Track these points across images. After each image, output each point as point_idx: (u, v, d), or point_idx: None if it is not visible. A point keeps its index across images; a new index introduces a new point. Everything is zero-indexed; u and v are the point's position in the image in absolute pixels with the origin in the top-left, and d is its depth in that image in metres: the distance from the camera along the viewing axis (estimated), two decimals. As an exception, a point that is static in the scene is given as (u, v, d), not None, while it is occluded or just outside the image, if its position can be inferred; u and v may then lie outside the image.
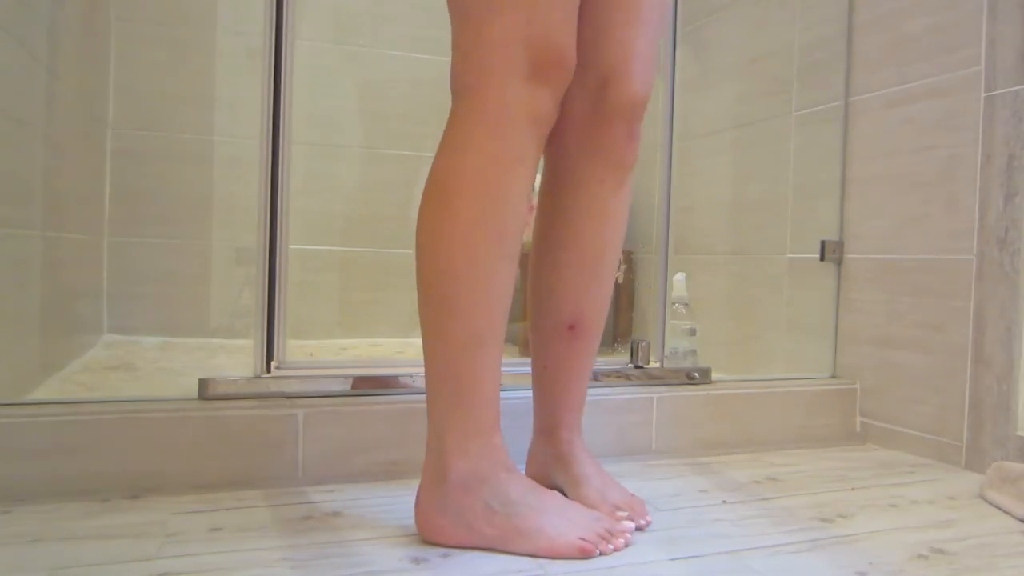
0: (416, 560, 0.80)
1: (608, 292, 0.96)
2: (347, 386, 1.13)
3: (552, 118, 0.82)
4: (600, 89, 0.86)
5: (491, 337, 0.81)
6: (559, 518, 0.82)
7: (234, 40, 2.01)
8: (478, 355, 0.81)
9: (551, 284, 0.93)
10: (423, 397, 1.14)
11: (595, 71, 0.86)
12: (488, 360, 0.81)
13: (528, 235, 0.91)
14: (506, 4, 0.77)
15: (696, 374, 1.35)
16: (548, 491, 0.86)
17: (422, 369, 1.08)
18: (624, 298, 1.98)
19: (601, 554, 0.81)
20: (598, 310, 0.94)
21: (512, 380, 1.20)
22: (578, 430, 0.98)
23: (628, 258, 1.99)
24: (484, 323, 0.80)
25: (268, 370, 1.11)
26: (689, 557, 0.84)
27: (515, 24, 0.77)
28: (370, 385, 1.15)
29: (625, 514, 0.88)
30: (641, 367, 1.33)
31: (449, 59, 0.84)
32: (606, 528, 0.84)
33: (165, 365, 1.60)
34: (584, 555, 0.80)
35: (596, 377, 1.28)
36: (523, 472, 0.92)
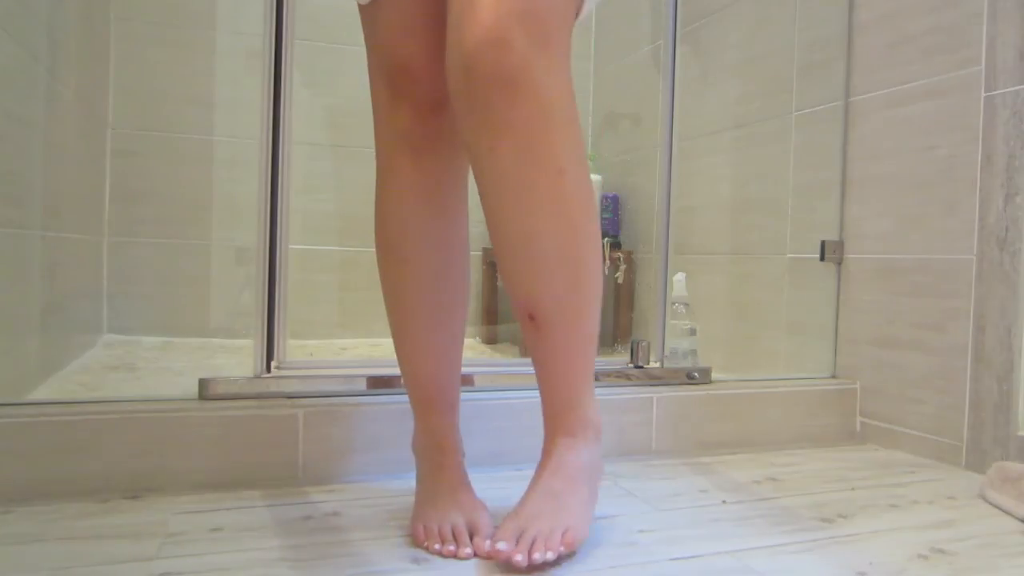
0: (416, 560, 0.80)
1: (573, 283, 0.81)
2: (347, 386, 1.13)
3: (417, 129, 0.85)
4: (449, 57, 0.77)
5: (401, 327, 0.92)
6: (429, 500, 0.88)
7: (234, 40, 2.01)
8: (400, 342, 0.93)
9: (502, 275, 0.87)
10: (423, 397, 1.14)
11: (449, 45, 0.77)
12: (409, 347, 0.92)
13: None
14: (368, 41, 0.87)
15: (696, 374, 1.35)
16: (449, 474, 0.90)
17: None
18: (624, 298, 1.98)
19: (427, 550, 0.82)
20: (557, 300, 0.81)
21: (510, 380, 1.21)
22: (554, 438, 0.85)
23: (628, 258, 1.99)
24: (394, 315, 0.92)
25: (268, 370, 1.11)
26: (689, 557, 0.84)
27: (374, 54, 0.86)
28: (371, 385, 1.15)
29: (503, 545, 0.76)
30: (641, 367, 1.33)
31: None
32: (460, 531, 0.83)
33: (165, 365, 1.60)
34: (414, 542, 0.85)
35: (596, 377, 1.28)
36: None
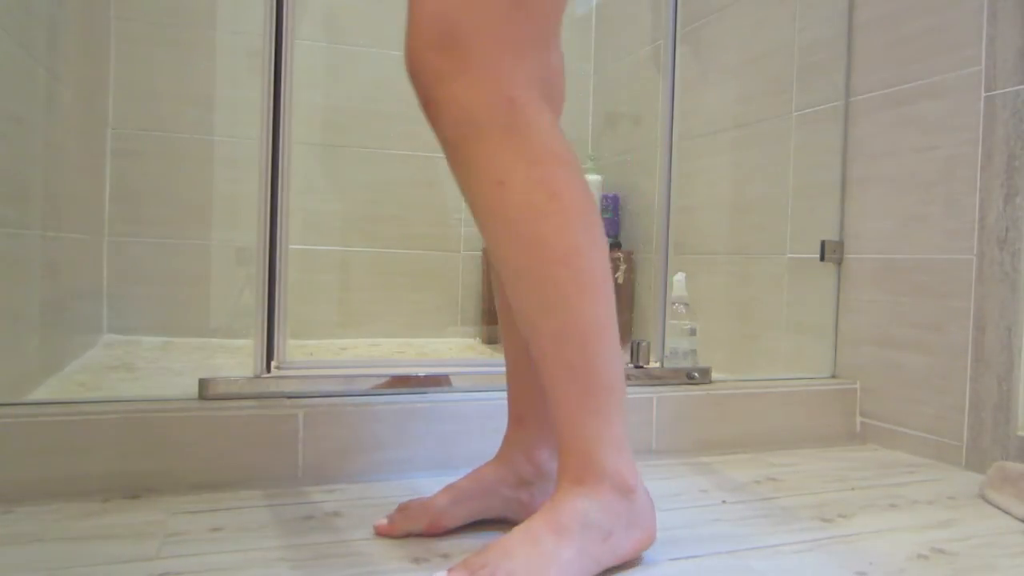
0: (416, 560, 0.80)
1: (541, 305, 0.74)
2: (347, 386, 1.13)
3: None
4: None
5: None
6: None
7: (234, 40, 2.01)
8: None
9: None
10: (423, 397, 1.14)
11: None
12: None
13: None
14: None
15: (696, 374, 1.35)
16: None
17: (423, 368, 1.08)
18: (624, 298, 1.98)
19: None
20: (532, 324, 0.75)
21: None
22: (560, 481, 0.81)
23: (628, 258, 1.99)
24: None
25: (268, 370, 1.11)
26: (689, 557, 0.84)
27: None
28: (371, 385, 1.15)
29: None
30: (641, 367, 1.33)
31: None
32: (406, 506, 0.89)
33: (165, 365, 1.60)
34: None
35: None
36: None
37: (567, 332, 0.74)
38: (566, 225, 0.73)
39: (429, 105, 0.72)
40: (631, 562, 0.81)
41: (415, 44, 0.71)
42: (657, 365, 1.35)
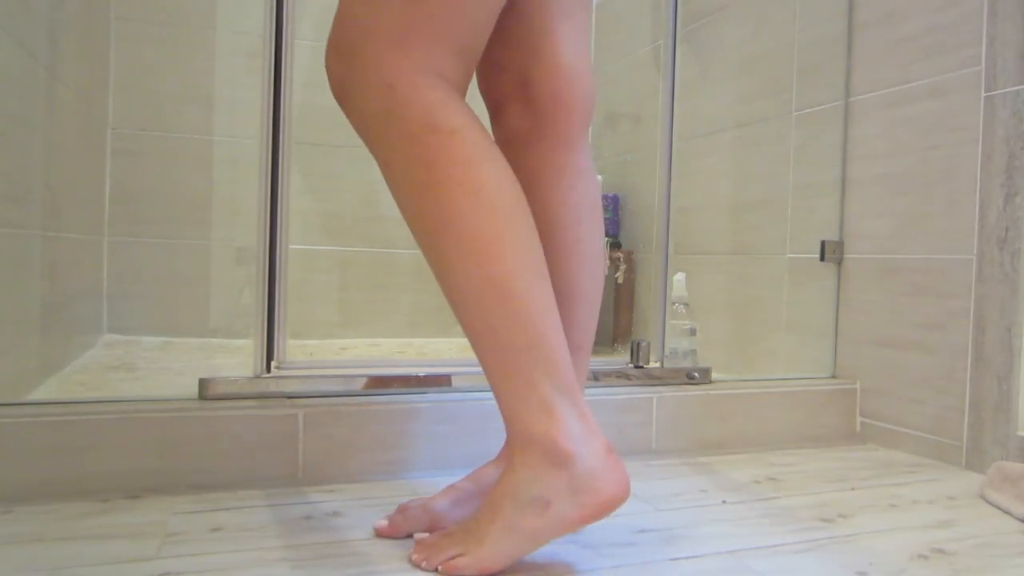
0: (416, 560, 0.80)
1: (438, 271, 0.77)
2: (347, 386, 1.13)
3: None
4: None
5: None
6: None
7: (234, 40, 2.01)
8: None
9: None
10: (423, 397, 1.14)
11: None
12: None
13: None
14: None
15: (696, 374, 1.35)
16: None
17: (423, 368, 1.07)
18: (624, 298, 1.98)
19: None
20: (443, 287, 0.78)
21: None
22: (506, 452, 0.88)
23: (628, 258, 1.99)
24: None
25: (268, 370, 1.11)
26: (689, 557, 0.84)
27: None
28: (371, 385, 1.15)
29: (416, 550, 0.80)
30: (641, 367, 1.33)
31: None
32: (406, 507, 0.89)
33: (165, 365, 1.60)
34: None
35: (596, 377, 1.29)
36: None
37: (463, 296, 0.75)
38: (445, 195, 0.74)
39: (339, 104, 0.79)
40: (631, 561, 0.81)
41: (326, 52, 0.78)
42: (657, 365, 1.35)
